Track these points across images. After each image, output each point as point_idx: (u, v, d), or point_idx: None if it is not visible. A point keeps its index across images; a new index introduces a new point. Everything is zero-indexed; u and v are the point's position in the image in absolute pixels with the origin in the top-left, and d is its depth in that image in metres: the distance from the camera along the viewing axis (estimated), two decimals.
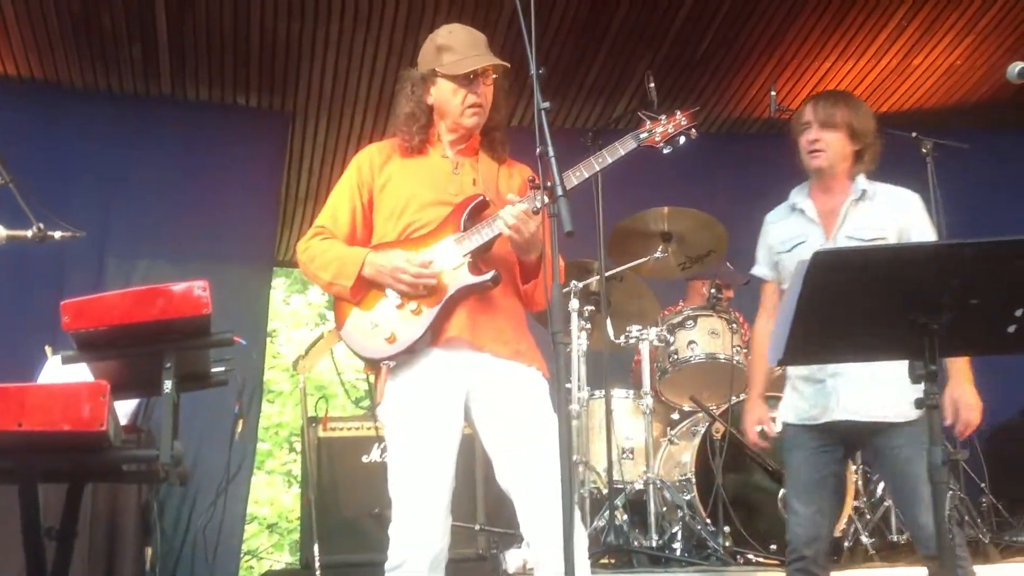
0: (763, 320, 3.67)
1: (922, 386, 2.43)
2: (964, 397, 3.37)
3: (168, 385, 2.45)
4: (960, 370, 3.41)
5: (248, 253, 6.36)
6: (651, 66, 5.83)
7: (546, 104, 2.61)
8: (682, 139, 3.16)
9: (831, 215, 3.52)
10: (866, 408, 3.35)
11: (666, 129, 3.14)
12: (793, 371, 3.56)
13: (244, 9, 5.76)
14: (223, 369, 2.84)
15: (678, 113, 3.16)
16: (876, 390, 3.33)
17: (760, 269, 3.70)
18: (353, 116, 6.84)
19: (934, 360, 2.36)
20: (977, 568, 4.31)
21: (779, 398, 3.72)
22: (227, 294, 5.57)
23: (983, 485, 5.13)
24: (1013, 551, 4.67)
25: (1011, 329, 2.40)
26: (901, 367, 3.19)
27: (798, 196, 3.62)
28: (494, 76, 3.18)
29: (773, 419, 3.66)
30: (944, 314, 2.32)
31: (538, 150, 2.62)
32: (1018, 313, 2.37)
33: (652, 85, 4.64)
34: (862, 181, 3.52)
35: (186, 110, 6.58)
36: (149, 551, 4.36)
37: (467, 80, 3.13)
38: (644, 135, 3.13)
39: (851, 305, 2.32)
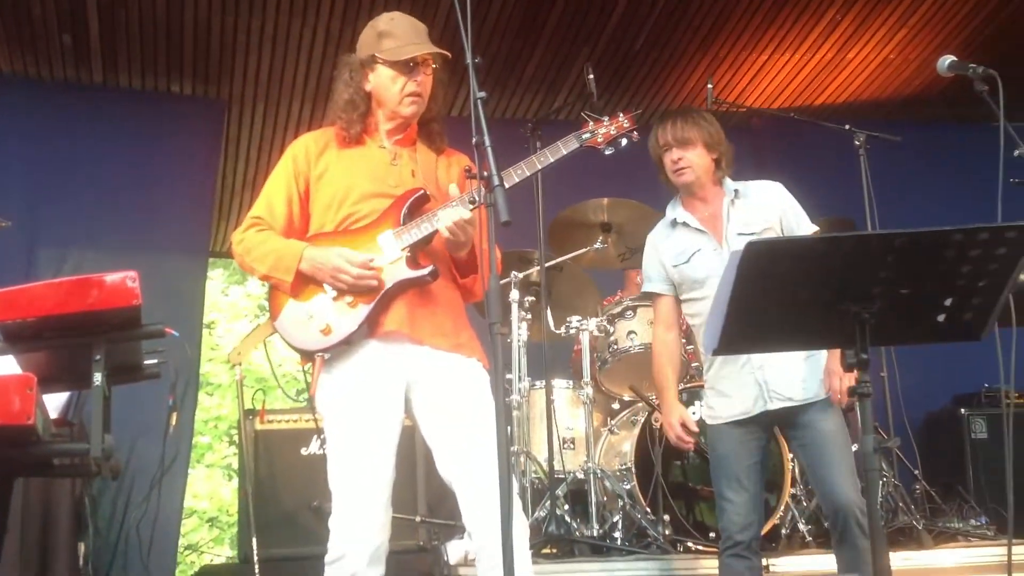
0: (662, 331, 3.80)
1: (856, 375, 2.48)
2: (839, 368, 3.48)
3: (98, 377, 2.40)
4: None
5: (183, 244, 6.26)
6: (590, 59, 5.84)
7: (482, 94, 2.60)
8: (624, 141, 3.21)
9: (714, 220, 3.68)
10: (796, 391, 3.50)
11: (608, 131, 3.19)
12: (710, 374, 3.68)
13: None
14: (156, 361, 2.80)
15: (621, 115, 3.22)
16: (801, 371, 3.51)
17: (654, 285, 3.80)
18: (290, 104, 6.77)
19: (866, 349, 2.40)
20: (911, 554, 4.44)
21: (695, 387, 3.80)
22: (161, 285, 5.47)
23: (916, 472, 5.22)
24: (946, 537, 4.75)
25: (941, 318, 2.45)
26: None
27: (675, 211, 3.77)
28: (433, 66, 3.16)
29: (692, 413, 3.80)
30: (875, 303, 2.36)
31: (474, 140, 2.62)
32: (947, 302, 2.42)
33: (591, 77, 4.65)
34: (730, 183, 3.71)
35: (119, 98, 6.46)
36: (82, 546, 4.29)
37: (407, 67, 3.10)
38: (586, 136, 3.17)
39: (784, 295, 2.34)
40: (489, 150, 2.58)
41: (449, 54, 3.16)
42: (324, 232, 3.11)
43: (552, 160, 3.09)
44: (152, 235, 6.01)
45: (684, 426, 3.65)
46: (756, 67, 6.72)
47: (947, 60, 3.37)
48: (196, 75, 6.44)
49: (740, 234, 3.55)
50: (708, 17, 6.16)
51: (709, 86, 5.41)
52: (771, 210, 3.63)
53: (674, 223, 3.75)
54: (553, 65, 6.58)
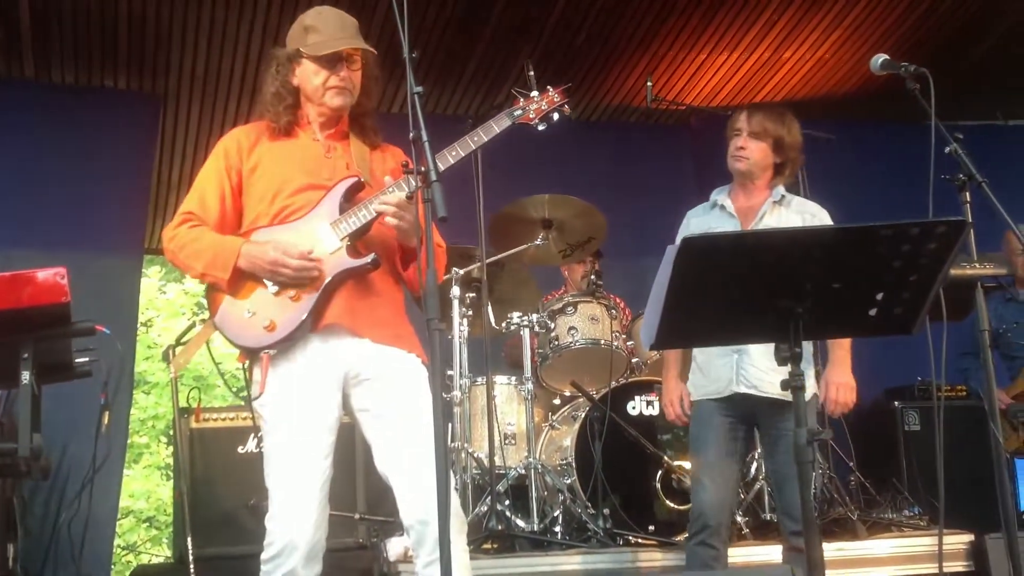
0: None
1: (789, 368, 2.52)
2: (841, 378, 3.66)
3: (26, 376, 2.35)
4: (840, 357, 3.69)
5: (117, 241, 6.15)
6: (531, 56, 5.85)
7: (419, 89, 2.60)
8: (556, 115, 3.20)
9: (749, 213, 3.75)
10: (763, 384, 3.56)
11: (539, 106, 3.18)
12: (698, 352, 3.76)
13: None
14: (87, 360, 2.74)
15: (551, 89, 3.21)
16: (773, 368, 3.49)
17: None
18: (227, 100, 6.68)
19: (798, 343, 2.44)
20: (845, 544, 4.51)
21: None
22: (95, 283, 5.40)
23: (851, 464, 5.31)
24: (880, 528, 4.83)
25: (872, 312, 2.49)
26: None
27: (719, 195, 3.85)
28: (361, 62, 3.15)
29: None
30: (807, 298, 2.39)
31: (411, 135, 2.60)
32: (879, 297, 2.46)
33: (531, 74, 4.64)
34: (781, 189, 3.78)
35: (51, 93, 6.32)
36: (11, 547, 4.20)
37: (330, 62, 3.09)
38: (518, 112, 3.16)
39: (718, 290, 2.37)
40: (427, 145, 2.57)
41: (374, 50, 3.15)
42: (259, 226, 3.07)
43: (486, 139, 3.07)
44: (85, 232, 5.90)
45: (682, 404, 3.77)
46: (695, 66, 6.79)
47: (880, 59, 3.42)
48: (131, 70, 6.32)
49: None
50: (647, 16, 6.20)
51: (648, 84, 5.45)
52: (804, 223, 3.69)
53: (713, 204, 3.85)
54: (495, 62, 6.58)
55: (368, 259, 3.01)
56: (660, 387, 4.87)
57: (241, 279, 3.01)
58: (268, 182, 3.09)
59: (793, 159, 3.78)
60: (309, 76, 3.12)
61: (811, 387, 3.62)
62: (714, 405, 3.66)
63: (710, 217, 3.82)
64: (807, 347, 3.57)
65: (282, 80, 3.15)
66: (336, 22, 3.14)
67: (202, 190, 3.13)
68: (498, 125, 3.11)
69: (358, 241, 3.04)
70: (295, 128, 3.18)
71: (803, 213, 3.74)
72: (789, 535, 3.55)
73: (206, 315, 3.14)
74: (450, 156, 3.01)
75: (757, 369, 3.57)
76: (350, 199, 3.06)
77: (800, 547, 3.39)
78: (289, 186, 3.08)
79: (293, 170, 3.10)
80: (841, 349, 3.71)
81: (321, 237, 3.02)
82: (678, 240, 3.76)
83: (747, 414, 3.67)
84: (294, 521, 2.88)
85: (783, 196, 3.76)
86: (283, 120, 3.14)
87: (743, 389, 3.59)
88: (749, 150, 3.73)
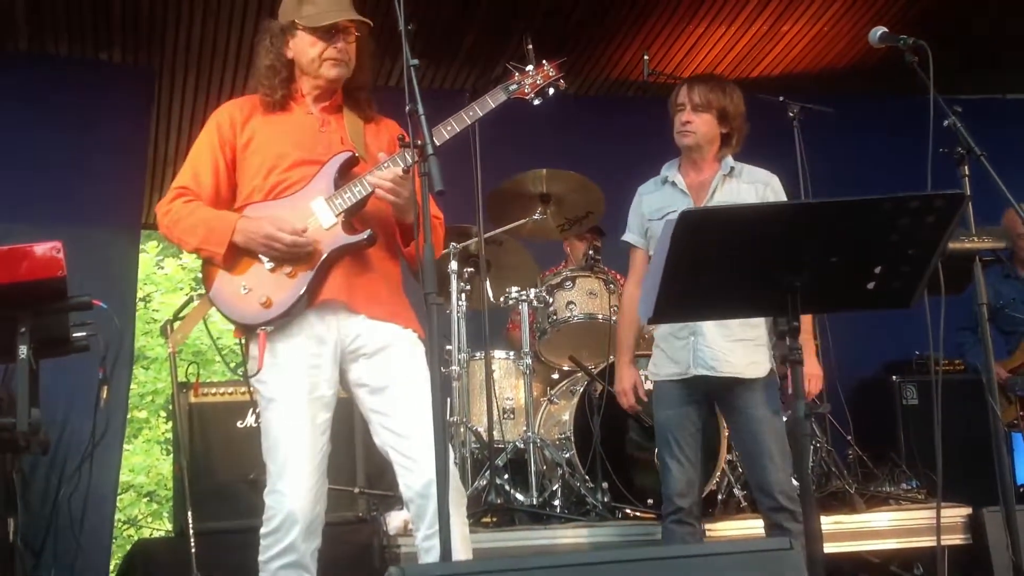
0: (632, 286, 3.85)
1: (787, 342, 2.51)
2: (813, 370, 3.71)
3: (23, 351, 2.35)
4: (804, 341, 3.63)
5: (114, 215, 6.11)
6: (528, 30, 5.80)
7: (415, 61, 2.59)
8: (551, 90, 3.21)
9: (701, 188, 3.74)
10: (720, 364, 3.59)
11: (535, 80, 3.19)
12: (658, 332, 3.78)
13: None
14: (84, 335, 2.74)
15: (545, 64, 3.22)
16: (728, 348, 3.59)
17: (631, 236, 3.90)
18: (223, 73, 6.63)
19: (796, 316, 2.43)
20: (844, 518, 4.54)
21: (648, 355, 3.89)
22: (92, 258, 5.38)
23: (849, 438, 5.32)
24: (878, 501, 4.86)
25: (870, 286, 2.49)
26: (752, 329, 3.47)
27: (669, 170, 3.82)
28: (356, 34, 3.13)
29: (646, 378, 3.86)
30: (805, 272, 2.39)
31: (408, 108, 2.59)
32: (877, 270, 2.46)
33: (530, 48, 4.61)
34: (730, 160, 3.75)
35: (45, 66, 6.26)
36: (11, 522, 4.21)
37: (326, 33, 3.08)
38: (514, 87, 3.17)
39: (716, 263, 2.36)
40: (423, 118, 2.56)
41: (370, 22, 3.13)
42: (253, 201, 3.06)
43: (481, 113, 3.08)
44: (81, 207, 5.87)
45: (636, 391, 3.79)
46: (692, 40, 6.74)
47: (878, 31, 3.41)
48: (125, 43, 6.27)
49: None
50: None
51: (645, 58, 5.42)
52: (756, 196, 3.68)
53: (664, 180, 3.82)
54: (491, 36, 6.53)
55: (364, 235, 3.00)
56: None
57: (237, 254, 3.00)
58: (262, 157, 3.07)
59: (739, 128, 3.75)
60: (304, 48, 3.10)
61: (767, 363, 3.62)
62: (674, 385, 3.68)
63: (662, 194, 3.81)
64: (765, 323, 3.59)
65: (276, 52, 3.13)
66: None
67: (195, 165, 3.11)
68: (493, 99, 3.12)
69: (354, 217, 3.03)
70: (289, 102, 3.16)
71: (755, 183, 3.72)
72: (768, 511, 3.57)
73: (203, 290, 3.13)
74: (445, 131, 3.01)
75: (712, 350, 3.60)
76: (345, 174, 3.06)
77: (779, 523, 3.44)
78: (284, 161, 3.06)
79: (287, 144, 3.08)
80: (807, 337, 3.75)
81: (317, 213, 3.01)
82: (630, 220, 3.82)
83: (707, 392, 3.70)
84: (293, 496, 2.89)
85: (732, 168, 3.74)
86: (278, 94, 3.12)
87: (701, 371, 3.61)
88: (695, 124, 3.70)
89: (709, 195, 3.70)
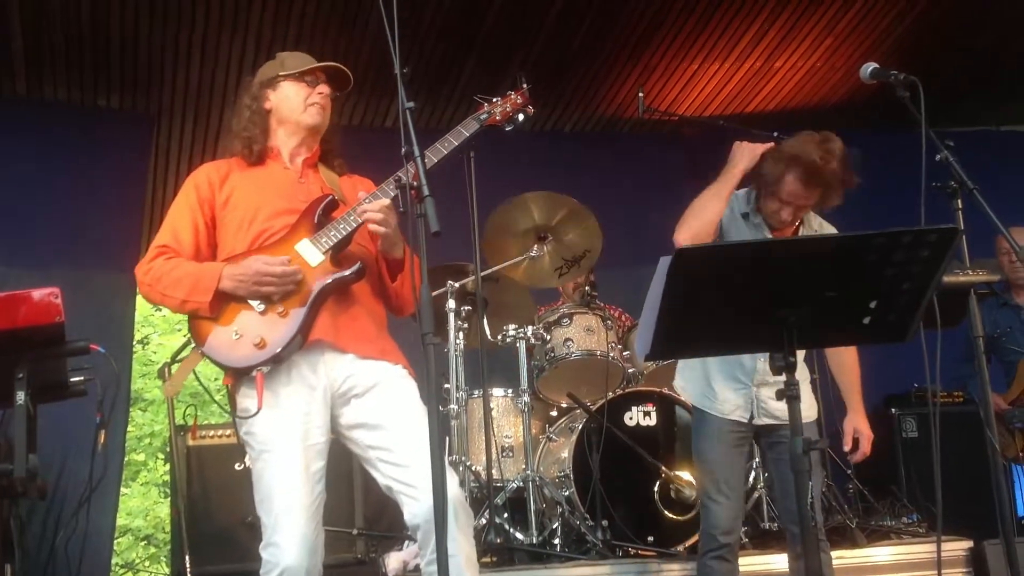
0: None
1: (784, 377, 2.52)
2: (863, 428, 3.63)
3: (21, 396, 2.35)
4: (857, 402, 3.68)
5: (111, 259, 6.12)
6: (523, 68, 5.86)
7: (411, 104, 2.61)
8: (520, 116, 3.30)
9: (783, 234, 3.62)
10: (784, 413, 3.49)
11: (504, 108, 3.29)
12: (713, 367, 3.64)
13: (103, 7, 5.55)
14: (82, 379, 2.74)
15: (512, 93, 3.32)
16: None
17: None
18: (220, 117, 6.64)
19: (793, 352, 2.44)
20: (845, 552, 4.51)
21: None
22: (90, 302, 5.40)
23: (849, 472, 5.30)
24: (879, 535, 4.83)
25: (866, 320, 2.49)
26: (804, 370, 3.43)
27: (748, 207, 3.65)
28: (335, 93, 3.25)
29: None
30: (801, 307, 2.39)
31: (403, 149, 2.61)
32: (872, 305, 2.46)
33: (525, 85, 4.65)
34: (815, 220, 3.69)
35: (43, 112, 6.32)
36: (9, 568, 4.18)
37: (311, 80, 3.19)
38: (484, 116, 3.27)
39: (712, 300, 2.37)
40: (419, 160, 2.58)
41: (350, 75, 3.24)
42: (237, 254, 3.04)
43: (456, 144, 3.15)
44: (79, 251, 5.89)
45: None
46: (687, 76, 6.80)
47: (870, 67, 3.43)
48: (124, 88, 6.32)
49: None
50: (638, 27, 6.21)
51: (640, 95, 5.44)
52: None
53: (746, 216, 3.65)
54: (486, 75, 6.59)
55: (354, 267, 3.02)
56: (657, 397, 4.89)
57: (224, 302, 2.97)
58: (243, 211, 3.09)
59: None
60: (288, 96, 3.19)
61: (815, 403, 3.62)
62: (723, 421, 3.62)
63: (744, 227, 3.65)
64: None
65: (255, 107, 3.20)
66: (307, 57, 3.27)
67: (174, 224, 3.11)
68: (467, 129, 3.20)
69: (340, 254, 3.05)
70: (265, 158, 3.20)
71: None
72: (799, 544, 3.54)
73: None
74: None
75: (779, 402, 3.54)
76: (326, 216, 3.08)
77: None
78: (265, 211, 3.08)
79: (267, 196, 3.11)
80: (856, 394, 3.66)
81: (303, 253, 3.02)
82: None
83: (754, 430, 3.67)
84: (289, 549, 2.83)
85: (815, 230, 3.67)
86: (257, 145, 3.17)
87: (767, 421, 3.57)
88: (796, 217, 3.55)
89: None
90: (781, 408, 3.49)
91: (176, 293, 3.00)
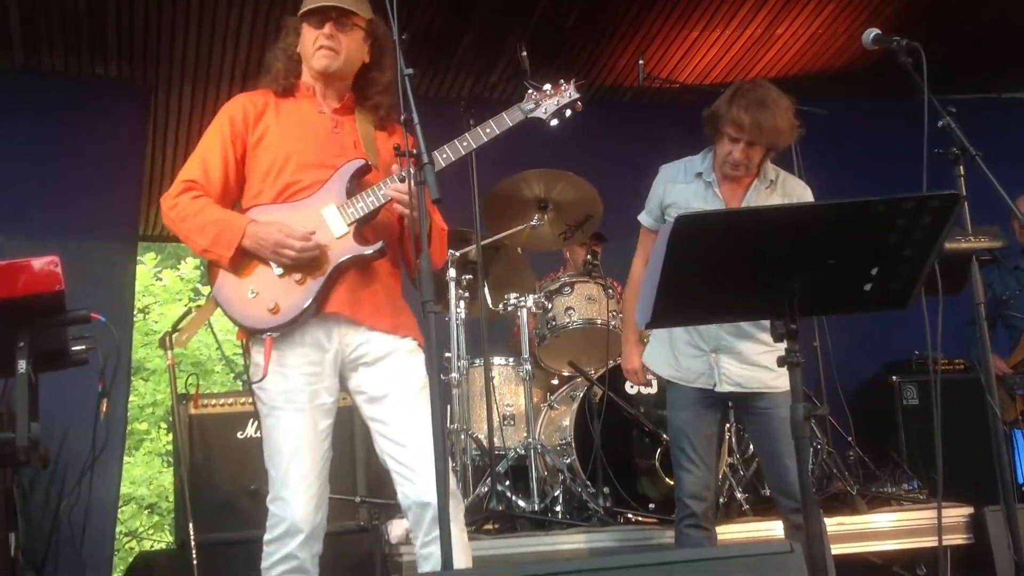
0: (640, 264, 3.78)
1: (786, 344, 2.52)
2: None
3: (22, 365, 2.35)
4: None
5: (111, 228, 6.13)
6: (522, 37, 5.82)
7: (410, 70, 2.59)
8: (568, 112, 3.15)
9: (734, 193, 3.64)
10: (747, 381, 3.55)
11: (552, 101, 3.14)
12: (676, 335, 3.66)
13: None
14: (83, 348, 2.74)
15: (563, 84, 3.16)
16: (754, 366, 3.54)
17: (647, 219, 3.81)
18: (219, 87, 6.63)
19: (794, 319, 2.44)
20: (845, 519, 4.53)
21: None
22: (90, 271, 5.40)
23: (850, 439, 5.31)
24: (879, 502, 4.85)
25: (868, 287, 2.49)
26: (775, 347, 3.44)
27: (702, 165, 3.68)
28: (357, 27, 3.10)
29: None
30: (802, 275, 2.39)
31: (403, 117, 2.60)
32: (874, 272, 2.46)
33: (524, 54, 4.62)
34: (770, 172, 3.66)
35: (41, 81, 6.29)
36: (13, 537, 4.21)
37: (318, 21, 3.06)
38: (530, 107, 3.12)
39: (714, 267, 2.37)
40: (418, 127, 2.57)
41: (365, 14, 3.11)
42: (262, 202, 3.03)
43: (498, 132, 3.06)
44: (79, 220, 5.88)
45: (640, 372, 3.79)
46: (687, 44, 6.75)
47: (872, 33, 3.41)
48: (121, 57, 6.29)
49: None
50: None
51: (640, 63, 5.43)
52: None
53: (699, 176, 3.67)
54: (486, 43, 6.55)
55: (376, 246, 3.00)
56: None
57: (245, 257, 2.98)
58: (274, 155, 3.05)
59: (782, 147, 3.63)
60: (304, 39, 3.10)
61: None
62: (689, 390, 3.63)
63: (693, 188, 3.66)
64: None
65: (284, 46, 3.14)
66: None
67: (205, 158, 3.07)
68: (510, 118, 3.09)
69: (365, 227, 3.03)
70: (300, 97, 3.14)
71: (787, 198, 3.64)
72: (788, 512, 3.56)
73: (202, 301, 3.12)
74: (461, 146, 3.01)
75: (739, 367, 3.55)
76: (357, 182, 3.04)
77: (800, 524, 3.40)
78: (295, 161, 3.04)
79: (299, 144, 3.06)
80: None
81: (328, 220, 3.00)
82: (650, 202, 3.73)
83: (727, 399, 3.67)
84: (296, 503, 2.89)
85: (772, 180, 3.65)
86: (287, 80, 3.11)
87: (728, 388, 3.56)
88: (747, 158, 3.53)
89: (742, 203, 3.60)
90: (743, 375, 3.53)
91: (199, 239, 2.99)
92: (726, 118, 3.50)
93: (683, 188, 3.69)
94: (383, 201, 2.98)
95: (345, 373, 3.05)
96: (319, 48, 3.06)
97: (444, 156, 2.99)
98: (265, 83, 3.16)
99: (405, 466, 2.91)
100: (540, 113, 3.12)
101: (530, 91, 3.14)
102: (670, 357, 3.69)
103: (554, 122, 3.15)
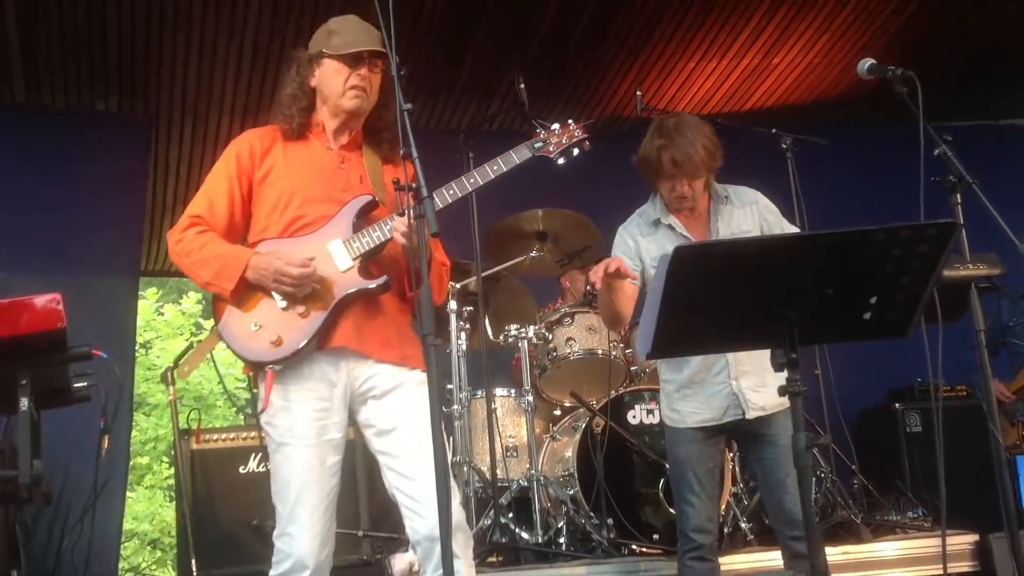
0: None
1: (786, 373, 2.51)
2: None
3: (24, 403, 2.35)
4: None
5: (113, 264, 6.15)
6: (521, 69, 5.86)
7: (408, 105, 2.61)
8: (575, 151, 3.19)
9: (697, 223, 3.65)
10: (749, 409, 3.52)
11: (560, 140, 3.17)
12: (684, 379, 3.62)
13: (99, 11, 5.55)
14: (85, 384, 2.74)
15: (571, 124, 3.20)
16: (761, 390, 3.51)
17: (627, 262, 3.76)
18: (219, 119, 6.68)
19: (794, 348, 2.44)
20: (850, 548, 4.51)
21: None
22: (91, 306, 5.40)
23: (853, 467, 5.29)
24: (884, 530, 4.83)
25: (867, 316, 2.49)
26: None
27: (656, 211, 3.69)
28: (383, 68, 3.11)
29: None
30: (802, 303, 2.39)
31: (402, 151, 2.61)
32: (873, 300, 2.46)
33: (522, 86, 4.66)
34: (719, 189, 3.67)
35: (42, 117, 6.33)
36: (15, 574, 4.19)
37: (352, 61, 3.07)
38: (539, 145, 3.16)
39: (713, 297, 2.37)
40: (417, 161, 2.58)
41: (396, 58, 3.14)
42: (268, 237, 3.05)
43: (505, 169, 3.08)
44: (80, 256, 5.90)
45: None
46: (684, 74, 6.80)
47: (867, 63, 3.44)
48: (122, 92, 6.33)
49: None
50: (635, 25, 6.21)
51: (639, 94, 5.46)
52: (752, 216, 3.62)
53: (657, 223, 3.68)
54: (485, 75, 6.59)
55: (381, 281, 3.00)
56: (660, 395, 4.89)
57: (248, 290, 2.99)
58: (280, 190, 3.06)
59: (719, 164, 3.61)
60: (330, 76, 3.10)
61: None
62: (699, 429, 3.58)
63: (661, 238, 3.66)
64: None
65: (300, 81, 3.14)
66: (360, 28, 3.12)
67: (211, 194, 3.09)
68: (518, 155, 3.11)
69: (370, 261, 3.04)
70: (307, 133, 3.15)
71: (746, 206, 3.65)
72: (788, 540, 3.53)
73: (203, 336, 3.13)
74: (468, 183, 3.02)
75: (750, 393, 3.52)
76: (363, 217, 3.05)
77: (801, 552, 3.38)
78: (301, 196, 3.05)
79: (306, 179, 3.08)
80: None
81: (333, 255, 3.01)
82: (623, 245, 3.71)
83: (733, 431, 3.64)
84: (302, 539, 2.88)
85: (726, 196, 3.65)
86: (296, 122, 3.12)
87: (752, 414, 3.51)
88: (692, 189, 3.55)
89: (712, 231, 3.62)
90: (763, 398, 3.49)
91: (202, 273, 3.02)
92: (658, 160, 3.53)
93: (650, 239, 3.70)
94: (389, 236, 2.99)
95: (354, 407, 3.04)
96: (351, 88, 3.08)
97: (451, 192, 3.01)
98: (276, 120, 3.17)
99: (414, 499, 2.90)
100: (547, 151, 3.16)
101: (538, 129, 3.17)
102: (683, 402, 3.65)
103: (561, 160, 3.18)
